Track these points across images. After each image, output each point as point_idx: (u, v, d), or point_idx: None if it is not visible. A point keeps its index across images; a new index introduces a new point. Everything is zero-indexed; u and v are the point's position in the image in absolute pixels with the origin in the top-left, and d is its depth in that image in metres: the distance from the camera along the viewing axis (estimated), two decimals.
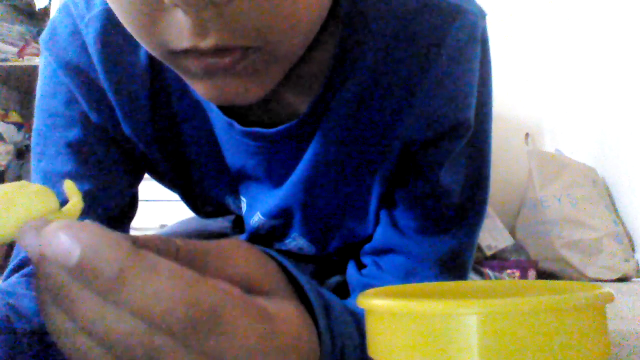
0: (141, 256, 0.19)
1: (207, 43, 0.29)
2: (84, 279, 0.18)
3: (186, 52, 0.30)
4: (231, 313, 0.20)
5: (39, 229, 0.19)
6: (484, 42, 0.44)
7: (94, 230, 0.19)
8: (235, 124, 0.44)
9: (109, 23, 0.43)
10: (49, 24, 0.46)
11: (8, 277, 0.43)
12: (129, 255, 0.19)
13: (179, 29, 0.29)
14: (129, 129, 0.46)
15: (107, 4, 0.43)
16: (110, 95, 0.45)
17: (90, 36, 0.43)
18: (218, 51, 0.30)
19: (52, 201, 0.21)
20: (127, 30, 0.32)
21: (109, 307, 0.19)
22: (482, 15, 0.43)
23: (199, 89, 0.34)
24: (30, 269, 0.42)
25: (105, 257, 0.18)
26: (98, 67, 0.44)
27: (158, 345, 0.19)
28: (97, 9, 0.43)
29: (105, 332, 0.19)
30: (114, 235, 0.19)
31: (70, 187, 0.22)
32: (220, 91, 0.33)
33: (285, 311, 0.23)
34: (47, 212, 0.21)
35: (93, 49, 0.44)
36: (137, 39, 0.33)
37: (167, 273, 0.19)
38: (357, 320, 0.32)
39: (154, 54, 0.33)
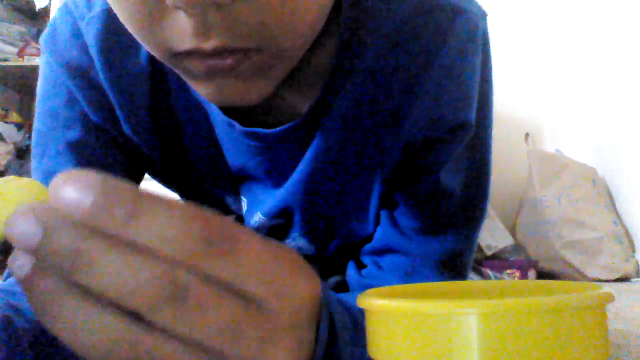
0: (150, 194, 0.19)
1: (210, 44, 0.29)
2: (98, 221, 0.18)
3: (188, 54, 0.30)
4: (245, 235, 0.20)
5: (32, 211, 0.19)
6: (485, 43, 0.44)
7: (97, 175, 0.19)
8: (236, 124, 0.44)
9: (110, 23, 0.43)
10: (49, 24, 0.47)
11: (8, 276, 0.43)
12: (138, 192, 0.19)
13: (181, 31, 0.29)
14: (129, 129, 0.46)
15: (107, 4, 0.43)
16: (110, 96, 0.45)
17: (90, 36, 0.44)
18: (220, 52, 0.30)
19: (43, 193, 0.21)
20: (127, 31, 0.32)
21: (128, 256, 0.18)
22: (482, 15, 0.43)
23: (201, 90, 0.34)
24: None
25: (117, 194, 0.18)
26: (98, 68, 0.44)
27: (182, 284, 0.19)
28: (97, 9, 0.44)
29: (129, 289, 0.18)
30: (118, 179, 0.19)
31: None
32: (222, 92, 0.33)
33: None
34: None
35: (93, 50, 0.44)
36: (139, 40, 0.33)
37: (178, 205, 0.19)
38: (351, 313, 0.32)
39: (155, 55, 0.33)
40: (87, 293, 0.19)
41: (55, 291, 0.19)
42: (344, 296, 0.42)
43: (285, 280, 0.21)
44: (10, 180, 0.21)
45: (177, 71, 0.34)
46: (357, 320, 0.37)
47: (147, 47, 0.33)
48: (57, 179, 0.19)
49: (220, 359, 0.20)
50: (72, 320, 0.19)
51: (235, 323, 0.19)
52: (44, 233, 0.18)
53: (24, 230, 0.18)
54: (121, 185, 0.19)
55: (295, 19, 0.30)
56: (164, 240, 0.19)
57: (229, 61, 0.31)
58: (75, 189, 0.18)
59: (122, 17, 0.31)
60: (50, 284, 0.19)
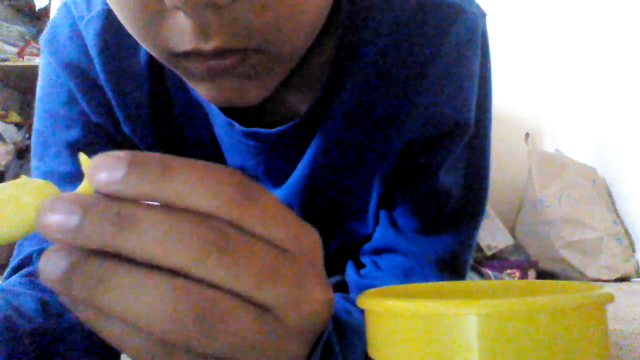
0: (176, 157, 0.20)
1: (209, 45, 0.29)
2: (134, 189, 0.19)
3: (188, 54, 0.30)
4: (261, 187, 0.21)
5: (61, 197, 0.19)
6: (484, 42, 0.44)
7: (125, 152, 0.19)
8: (236, 124, 0.44)
9: (109, 24, 0.43)
10: (49, 24, 0.47)
11: (8, 277, 0.43)
12: (165, 156, 0.20)
13: (181, 32, 0.29)
14: (129, 129, 0.46)
15: (107, 4, 0.43)
16: (110, 96, 0.45)
17: (90, 37, 0.44)
18: (220, 53, 0.30)
19: (57, 194, 0.22)
20: (127, 31, 0.32)
21: (169, 214, 0.19)
22: (482, 15, 0.44)
23: (201, 90, 0.34)
24: (31, 268, 0.42)
25: (146, 161, 0.19)
26: (98, 68, 0.44)
27: (222, 233, 0.19)
28: (97, 9, 0.44)
29: (175, 246, 0.19)
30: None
31: (84, 162, 0.22)
32: (222, 93, 0.34)
33: None
34: None
35: (93, 50, 0.44)
36: (138, 41, 0.33)
37: (203, 163, 0.20)
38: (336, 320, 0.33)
39: (155, 55, 0.33)
40: (133, 263, 0.19)
41: (104, 270, 0.19)
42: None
43: (299, 225, 0.22)
44: (24, 183, 0.21)
45: (177, 72, 0.34)
46: (339, 321, 0.37)
47: (146, 47, 0.33)
48: (91, 167, 0.19)
49: (264, 307, 0.20)
50: (130, 291, 0.18)
51: (273, 267, 0.20)
52: (82, 207, 0.18)
53: (63, 211, 0.18)
54: (148, 153, 0.19)
55: (294, 20, 0.30)
56: (198, 195, 0.19)
57: (228, 62, 0.31)
58: (106, 167, 0.19)
59: (122, 18, 0.31)
60: (97, 266, 0.19)
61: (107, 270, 0.19)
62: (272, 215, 0.21)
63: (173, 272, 0.19)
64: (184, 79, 0.35)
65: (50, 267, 0.19)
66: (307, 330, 0.22)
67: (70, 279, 0.18)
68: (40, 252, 0.42)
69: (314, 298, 0.21)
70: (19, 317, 0.34)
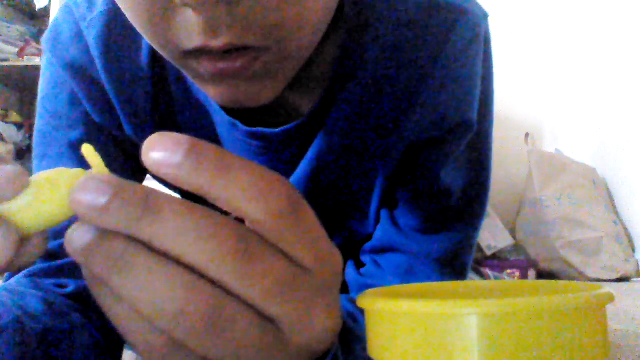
0: (231, 154, 0.20)
1: (218, 42, 0.29)
2: (189, 178, 0.19)
3: (197, 53, 0.30)
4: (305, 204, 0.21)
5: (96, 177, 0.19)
6: (487, 43, 0.45)
7: (184, 137, 0.19)
8: (239, 124, 0.44)
9: (111, 24, 0.43)
10: (51, 24, 0.47)
11: (9, 277, 0.43)
12: (223, 150, 0.20)
13: (190, 28, 0.29)
14: (131, 130, 0.46)
15: (108, 5, 0.43)
16: (112, 96, 0.45)
17: (91, 37, 0.44)
18: (229, 52, 0.30)
19: None
20: (129, 32, 0.32)
21: (200, 212, 0.19)
22: (484, 15, 0.44)
23: (210, 92, 0.34)
24: (33, 268, 0.42)
25: (205, 153, 0.19)
26: (100, 68, 0.44)
27: (245, 239, 0.19)
28: (98, 10, 0.43)
29: (198, 242, 0.19)
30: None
31: (90, 153, 0.22)
32: (232, 94, 0.33)
33: None
34: None
35: (95, 50, 0.44)
36: (147, 40, 0.32)
37: (260, 167, 0.20)
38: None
39: (164, 55, 0.33)
40: (154, 252, 0.19)
41: (124, 251, 0.19)
42: None
43: (328, 247, 0.22)
44: (60, 169, 0.21)
45: (186, 73, 0.34)
46: (345, 331, 0.37)
47: (156, 46, 0.33)
48: (145, 144, 0.19)
49: (271, 320, 0.20)
50: (145, 277, 0.19)
51: (287, 283, 0.20)
52: (113, 188, 0.18)
53: (94, 190, 0.18)
54: (207, 144, 0.19)
55: (304, 18, 0.30)
56: (249, 199, 0.19)
57: (238, 64, 0.30)
58: (164, 148, 0.19)
59: (130, 16, 0.31)
60: (119, 246, 0.19)
61: (127, 252, 0.19)
62: (307, 233, 0.21)
63: (190, 269, 0.19)
64: (193, 80, 0.35)
65: (76, 237, 0.19)
66: (308, 350, 0.22)
67: (92, 253, 0.19)
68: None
69: (322, 323, 0.21)
70: (27, 318, 0.34)
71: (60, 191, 0.20)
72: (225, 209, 0.20)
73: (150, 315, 0.19)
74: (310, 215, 0.21)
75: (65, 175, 0.21)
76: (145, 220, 0.18)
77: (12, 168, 0.20)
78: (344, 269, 0.53)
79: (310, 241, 0.21)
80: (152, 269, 0.19)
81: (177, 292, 0.19)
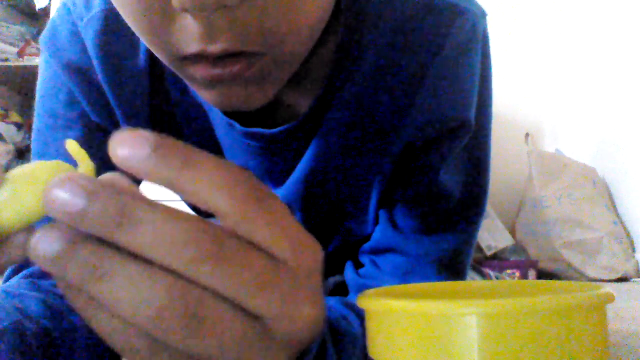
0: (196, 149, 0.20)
1: (216, 47, 0.29)
2: (155, 171, 0.19)
3: (194, 58, 0.30)
4: (274, 197, 0.21)
5: (72, 177, 0.19)
6: (485, 42, 0.45)
7: (150, 134, 0.20)
8: (236, 125, 0.44)
9: (108, 24, 0.43)
10: (48, 24, 0.46)
11: (8, 278, 0.43)
12: (188, 146, 0.20)
13: (188, 33, 0.29)
14: None
15: (106, 5, 0.43)
16: (109, 96, 0.45)
17: (89, 37, 0.43)
18: (225, 57, 0.30)
19: (70, 170, 0.21)
20: (126, 32, 0.32)
21: (173, 213, 0.19)
22: (482, 14, 0.44)
23: (205, 95, 0.34)
24: (31, 269, 0.42)
25: (170, 147, 0.19)
26: (97, 68, 0.44)
27: (220, 240, 0.19)
28: (95, 10, 0.43)
29: (175, 245, 0.19)
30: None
31: (74, 149, 0.22)
32: (226, 98, 0.33)
33: None
34: None
35: (92, 50, 0.44)
36: (146, 43, 0.32)
37: (222, 161, 0.20)
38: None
39: (162, 59, 0.33)
40: (129, 254, 0.19)
41: (99, 258, 0.18)
42: (326, 301, 0.43)
43: (302, 237, 0.22)
44: (39, 163, 0.21)
45: (182, 77, 0.34)
46: (336, 330, 0.37)
47: (153, 50, 0.33)
48: (112, 141, 0.19)
49: (254, 316, 0.20)
50: (123, 283, 0.18)
51: (266, 278, 0.20)
52: (89, 194, 0.18)
53: (68, 193, 0.18)
54: (173, 140, 0.19)
55: (299, 23, 0.30)
56: (213, 190, 0.19)
57: (233, 69, 0.30)
58: (131, 144, 0.19)
59: (129, 21, 0.31)
60: (92, 252, 0.19)
61: (102, 257, 0.18)
62: (277, 223, 0.21)
63: (168, 270, 0.19)
64: (189, 84, 0.35)
65: (43, 246, 0.19)
66: (293, 343, 0.22)
67: (63, 262, 0.18)
68: None
69: (305, 314, 0.21)
70: (27, 320, 0.34)
71: (39, 186, 0.20)
72: (191, 201, 0.20)
73: (130, 318, 0.19)
74: (278, 205, 0.21)
75: (44, 169, 0.21)
76: (122, 227, 0.18)
77: None
78: (340, 266, 0.53)
79: (282, 230, 0.21)
80: (129, 273, 0.19)
81: (158, 293, 0.19)
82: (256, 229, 0.20)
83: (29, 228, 0.20)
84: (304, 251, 0.22)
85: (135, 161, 0.19)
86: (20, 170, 0.20)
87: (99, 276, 0.18)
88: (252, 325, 0.20)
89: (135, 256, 0.19)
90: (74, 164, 0.23)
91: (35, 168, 0.21)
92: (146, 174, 0.19)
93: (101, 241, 0.19)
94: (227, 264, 0.19)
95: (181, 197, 0.20)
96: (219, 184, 0.19)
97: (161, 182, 0.19)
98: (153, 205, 0.19)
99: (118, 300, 0.19)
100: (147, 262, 0.19)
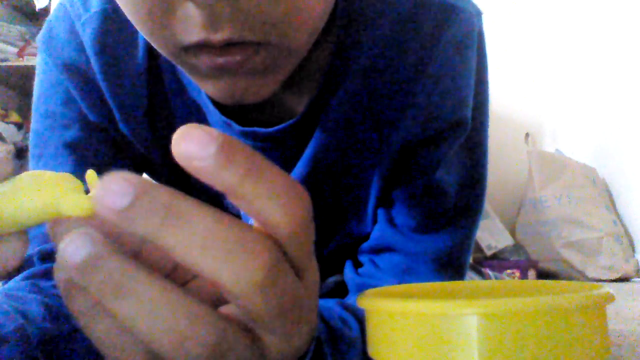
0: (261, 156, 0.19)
1: (219, 36, 0.28)
2: (219, 176, 0.18)
3: (197, 48, 0.30)
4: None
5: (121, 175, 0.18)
6: (481, 41, 0.45)
7: (217, 132, 0.19)
8: (233, 124, 0.44)
9: (106, 24, 0.43)
10: (45, 23, 0.46)
11: (8, 279, 0.43)
12: (254, 152, 0.19)
13: (190, 23, 0.28)
14: (126, 129, 0.46)
15: (104, 4, 0.43)
16: (107, 96, 0.45)
17: (87, 37, 0.43)
18: (229, 46, 0.29)
19: (77, 184, 0.21)
20: (124, 31, 0.32)
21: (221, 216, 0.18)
22: (478, 13, 0.44)
23: (208, 88, 0.34)
24: (32, 270, 0.42)
25: (237, 151, 0.18)
26: (95, 68, 0.44)
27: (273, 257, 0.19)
28: (93, 9, 0.43)
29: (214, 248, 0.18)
30: None
31: (92, 178, 0.21)
32: (230, 90, 0.33)
33: None
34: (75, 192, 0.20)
35: (90, 50, 0.44)
36: (146, 36, 0.32)
37: (281, 173, 0.19)
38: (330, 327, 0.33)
39: (163, 51, 0.32)
40: (154, 274, 0.18)
41: (125, 272, 0.18)
42: (325, 302, 0.43)
43: (310, 252, 0.22)
44: (47, 171, 0.21)
45: (184, 70, 0.34)
46: (334, 333, 0.37)
47: (154, 42, 0.32)
48: (177, 133, 0.18)
49: (259, 340, 0.20)
50: (144, 303, 0.18)
51: (294, 303, 0.20)
52: (137, 192, 0.17)
53: (116, 189, 0.17)
54: (239, 142, 0.18)
55: (304, 13, 0.30)
56: (274, 201, 0.18)
57: (238, 58, 0.30)
58: (196, 141, 0.18)
59: (130, 11, 0.30)
60: (117, 265, 0.18)
61: (126, 272, 0.18)
62: (310, 250, 0.21)
63: (193, 296, 0.19)
64: (191, 77, 0.34)
65: (72, 249, 0.18)
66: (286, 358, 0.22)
67: (89, 271, 0.18)
68: (40, 253, 0.42)
69: (305, 331, 0.22)
70: (29, 324, 0.34)
71: (45, 189, 0.19)
72: (246, 209, 0.19)
73: (149, 342, 0.18)
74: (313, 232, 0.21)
75: (52, 176, 0.20)
76: (168, 225, 0.18)
77: None
78: (339, 265, 0.53)
79: (311, 256, 0.21)
80: (154, 297, 0.18)
81: (180, 321, 0.18)
82: (301, 250, 0.20)
83: (24, 235, 0.20)
84: (315, 276, 0.22)
85: (199, 159, 0.18)
86: (28, 173, 0.20)
87: (120, 292, 0.18)
88: (255, 351, 0.20)
89: (160, 277, 0.18)
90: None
91: (43, 173, 0.20)
92: (207, 174, 0.18)
93: (129, 258, 0.18)
94: (274, 284, 0.19)
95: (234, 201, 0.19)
96: (282, 197, 0.19)
97: (221, 184, 0.18)
98: (198, 205, 0.18)
99: (137, 320, 0.18)
100: (174, 284, 0.18)
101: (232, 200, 0.19)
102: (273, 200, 0.18)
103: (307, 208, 0.20)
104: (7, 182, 0.20)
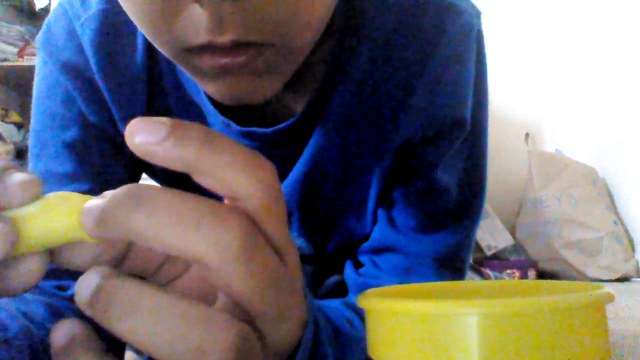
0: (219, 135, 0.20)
1: (224, 38, 0.28)
2: (173, 153, 0.19)
3: (201, 50, 0.30)
4: None
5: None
6: (480, 41, 0.45)
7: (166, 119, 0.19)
8: (232, 124, 0.43)
9: (105, 24, 0.43)
10: (44, 24, 0.46)
11: None
12: (207, 129, 0.20)
13: (196, 24, 0.28)
14: (125, 129, 0.46)
15: (103, 4, 0.43)
16: (107, 96, 0.45)
17: (86, 37, 0.43)
18: (233, 48, 0.29)
19: (85, 201, 0.21)
20: (124, 32, 0.32)
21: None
22: (477, 14, 0.44)
23: (210, 88, 0.34)
24: None
25: (188, 129, 0.19)
26: (94, 68, 0.44)
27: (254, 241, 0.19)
28: (93, 9, 0.43)
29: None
30: None
31: (78, 201, 0.22)
32: (233, 91, 0.33)
33: None
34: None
35: (89, 50, 0.43)
36: (147, 36, 0.32)
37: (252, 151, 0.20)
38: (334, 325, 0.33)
39: (163, 52, 0.32)
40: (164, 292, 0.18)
41: (127, 293, 0.18)
42: (330, 303, 0.43)
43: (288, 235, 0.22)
44: (73, 193, 0.21)
45: (186, 71, 0.34)
46: (339, 332, 0.37)
47: (158, 43, 0.32)
48: (127, 130, 0.19)
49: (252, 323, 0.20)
50: (156, 320, 0.18)
51: (275, 278, 0.20)
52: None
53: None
54: (189, 122, 0.19)
55: (307, 14, 0.30)
56: (236, 169, 0.19)
57: (242, 58, 0.30)
58: (147, 130, 0.19)
59: (133, 12, 0.30)
60: (125, 290, 0.18)
61: (133, 292, 0.18)
62: (284, 223, 0.21)
63: (203, 303, 0.19)
64: (193, 77, 0.34)
65: (82, 288, 0.18)
66: (279, 349, 0.22)
67: (97, 301, 0.18)
68: None
69: (294, 315, 0.22)
70: (33, 326, 0.34)
71: (71, 210, 0.20)
72: (211, 183, 0.19)
73: (166, 356, 0.18)
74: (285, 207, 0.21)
75: (79, 196, 0.21)
76: (135, 212, 0.18)
77: (26, 176, 0.20)
78: (339, 265, 0.53)
79: (288, 237, 0.21)
80: (162, 308, 0.18)
81: (194, 329, 0.18)
82: (272, 221, 0.20)
83: (45, 254, 0.20)
84: (294, 254, 0.22)
85: (153, 146, 0.18)
86: (56, 194, 0.21)
87: (127, 311, 0.18)
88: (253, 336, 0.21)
89: (167, 291, 0.18)
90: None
91: (69, 195, 0.21)
92: (165, 157, 0.18)
93: (130, 279, 0.18)
94: (253, 258, 0.19)
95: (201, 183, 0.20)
96: (243, 164, 0.19)
97: (181, 165, 0.19)
98: (163, 189, 0.19)
99: (151, 337, 0.18)
100: (180, 295, 0.18)
101: (198, 180, 0.19)
102: (236, 169, 0.19)
103: (273, 176, 0.20)
104: (35, 203, 0.20)
